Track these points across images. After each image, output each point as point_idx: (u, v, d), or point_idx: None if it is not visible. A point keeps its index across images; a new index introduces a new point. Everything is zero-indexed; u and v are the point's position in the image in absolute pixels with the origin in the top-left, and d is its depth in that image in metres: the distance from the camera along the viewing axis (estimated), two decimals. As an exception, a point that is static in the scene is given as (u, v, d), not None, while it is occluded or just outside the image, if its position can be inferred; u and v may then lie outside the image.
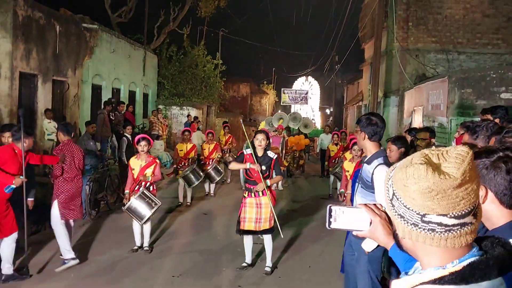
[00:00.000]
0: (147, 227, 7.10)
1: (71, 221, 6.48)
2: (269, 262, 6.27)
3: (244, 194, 6.31)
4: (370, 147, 4.21)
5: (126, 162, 8.79)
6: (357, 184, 4.40)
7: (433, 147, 1.30)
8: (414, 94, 15.52)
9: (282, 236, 6.77)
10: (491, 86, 9.91)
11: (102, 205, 9.38)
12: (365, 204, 1.70)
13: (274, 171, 6.37)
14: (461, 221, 1.19)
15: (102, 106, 14.10)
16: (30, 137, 6.07)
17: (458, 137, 5.09)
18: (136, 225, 7.00)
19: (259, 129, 8.90)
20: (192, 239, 7.95)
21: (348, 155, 8.40)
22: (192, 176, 9.96)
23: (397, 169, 1.27)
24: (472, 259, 1.21)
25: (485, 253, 1.23)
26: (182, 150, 10.57)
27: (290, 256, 7.06)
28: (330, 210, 1.69)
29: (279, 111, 25.00)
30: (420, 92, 14.75)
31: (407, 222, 1.25)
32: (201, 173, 10.31)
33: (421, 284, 1.24)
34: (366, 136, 4.16)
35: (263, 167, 6.18)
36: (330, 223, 1.70)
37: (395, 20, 16.96)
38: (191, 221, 9.25)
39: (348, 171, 7.57)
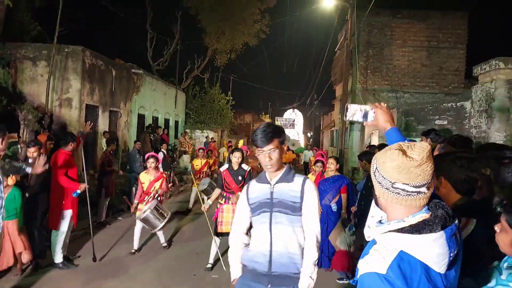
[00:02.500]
0: (160, 232, 6.20)
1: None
2: None
3: (221, 201, 5.40)
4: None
5: (162, 170, 8.32)
6: (268, 212, 2.39)
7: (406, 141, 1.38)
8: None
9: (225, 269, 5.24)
10: (428, 115, 9.95)
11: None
12: (373, 104, 1.78)
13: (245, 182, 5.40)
14: (418, 190, 1.27)
15: (145, 130, 14.17)
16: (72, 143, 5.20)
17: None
18: (137, 229, 6.06)
19: (238, 147, 7.85)
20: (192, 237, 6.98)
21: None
22: (210, 189, 8.85)
23: (381, 152, 1.35)
24: (422, 214, 1.29)
25: (431, 211, 1.31)
26: (197, 165, 9.86)
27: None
28: (347, 108, 1.79)
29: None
30: (376, 120, 14.73)
31: (383, 187, 1.33)
32: (215, 184, 9.43)
33: (388, 231, 1.31)
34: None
35: (239, 177, 5.35)
36: (346, 116, 1.79)
37: (357, 68, 17.09)
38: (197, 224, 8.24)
39: None
